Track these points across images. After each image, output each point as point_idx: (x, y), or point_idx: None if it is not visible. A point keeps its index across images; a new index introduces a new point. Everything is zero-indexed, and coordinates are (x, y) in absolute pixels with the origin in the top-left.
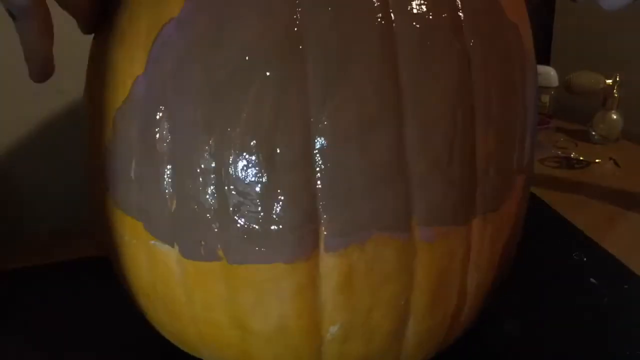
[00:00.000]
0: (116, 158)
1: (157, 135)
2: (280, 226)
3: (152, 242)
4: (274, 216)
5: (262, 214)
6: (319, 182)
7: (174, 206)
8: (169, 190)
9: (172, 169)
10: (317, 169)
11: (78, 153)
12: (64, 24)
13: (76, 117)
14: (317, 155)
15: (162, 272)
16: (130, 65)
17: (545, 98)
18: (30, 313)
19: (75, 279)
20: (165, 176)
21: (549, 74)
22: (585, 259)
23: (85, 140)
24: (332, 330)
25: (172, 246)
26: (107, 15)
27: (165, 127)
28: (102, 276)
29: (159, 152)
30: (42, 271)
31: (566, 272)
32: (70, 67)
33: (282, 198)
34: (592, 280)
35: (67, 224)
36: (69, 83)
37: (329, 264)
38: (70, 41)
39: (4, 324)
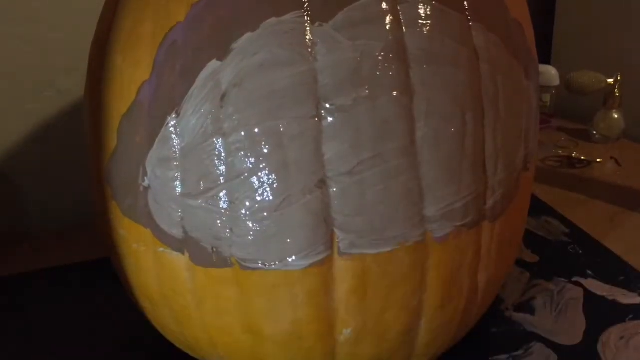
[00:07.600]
0: (123, 165)
1: (166, 141)
2: (294, 231)
3: (161, 249)
4: (288, 221)
5: (275, 219)
6: (332, 188)
7: (184, 212)
8: (179, 197)
9: (182, 174)
10: (330, 174)
11: (78, 154)
12: (64, 23)
13: (76, 118)
14: (330, 161)
15: (170, 279)
16: (135, 71)
17: (546, 97)
18: (32, 316)
19: (76, 282)
20: (175, 182)
21: (550, 73)
22: (581, 252)
23: (87, 146)
24: (345, 332)
25: (182, 253)
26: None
27: (174, 132)
28: (103, 278)
29: (167, 158)
30: (43, 275)
31: (565, 271)
32: (70, 67)
33: (296, 203)
34: (589, 272)
35: (67, 226)
36: (69, 83)
37: (343, 267)
38: (70, 41)
39: (7, 328)
